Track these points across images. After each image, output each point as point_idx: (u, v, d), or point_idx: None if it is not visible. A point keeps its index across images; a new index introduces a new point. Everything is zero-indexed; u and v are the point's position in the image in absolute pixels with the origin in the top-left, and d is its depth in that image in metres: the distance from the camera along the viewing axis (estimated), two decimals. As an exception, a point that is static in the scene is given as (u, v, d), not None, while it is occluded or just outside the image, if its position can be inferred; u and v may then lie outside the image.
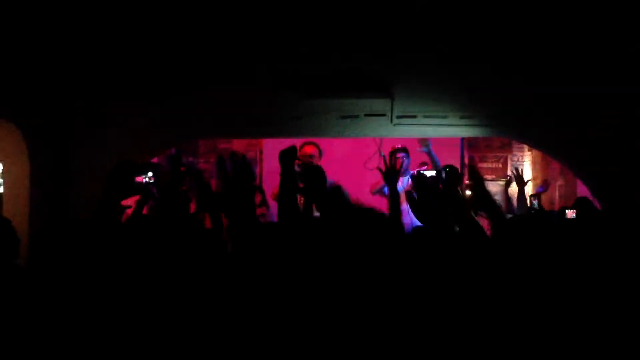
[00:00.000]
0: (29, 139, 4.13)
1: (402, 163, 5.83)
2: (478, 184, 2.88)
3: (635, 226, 4.05)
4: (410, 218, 4.79)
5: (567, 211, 4.22)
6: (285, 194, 2.86)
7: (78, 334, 1.95)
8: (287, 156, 2.98)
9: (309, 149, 5.65)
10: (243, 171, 2.71)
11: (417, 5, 3.33)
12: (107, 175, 2.60)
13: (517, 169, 5.82)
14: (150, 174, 3.27)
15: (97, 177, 3.66)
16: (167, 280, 2.10)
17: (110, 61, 4.35)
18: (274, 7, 3.89)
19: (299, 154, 5.68)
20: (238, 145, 8.94)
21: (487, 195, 2.82)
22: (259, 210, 6.18)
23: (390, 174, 3.42)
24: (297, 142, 6.71)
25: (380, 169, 3.55)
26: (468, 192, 3.45)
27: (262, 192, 6.63)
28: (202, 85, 4.70)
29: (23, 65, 4.13)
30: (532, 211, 4.88)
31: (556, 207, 6.92)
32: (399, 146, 6.00)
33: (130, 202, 3.23)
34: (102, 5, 3.71)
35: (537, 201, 5.10)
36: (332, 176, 4.74)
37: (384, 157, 3.69)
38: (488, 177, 8.56)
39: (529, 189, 8.42)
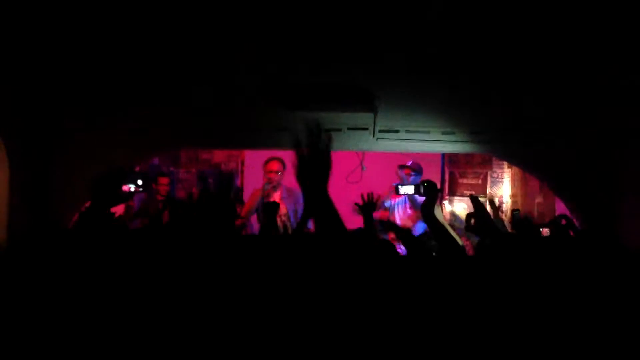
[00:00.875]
0: (9, 143, 4.07)
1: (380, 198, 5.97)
2: (479, 211, 2.91)
3: (611, 244, 4.10)
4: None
5: (541, 229, 4.25)
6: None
7: (63, 340, 1.94)
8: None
9: (273, 165, 5.69)
10: (226, 187, 2.71)
11: (430, 12, 3.33)
12: (94, 183, 2.58)
13: (488, 199, 6.00)
14: (139, 182, 3.28)
15: (78, 184, 3.63)
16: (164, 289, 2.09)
17: (94, 68, 4.32)
18: (258, 15, 3.90)
19: (265, 169, 5.75)
20: (219, 155, 8.95)
21: (489, 221, 2.86)
22: (238, 221, 6.20)
23: (367, 208, 3.51)
24: (277, 153, 6.81)
25: (357, 204, 3.64)
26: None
27: (242, 203, 6.64)
28: (184, 95, 4.69)
29: (3, 68, 4.09)
30: (517, 225, 4.91)
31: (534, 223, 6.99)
32: (409, 163, 6.12)
33: (119, 209, 3.23)
34: (84, 10, 3.69)
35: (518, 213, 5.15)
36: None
37: (362, 195, 3.81)
38: (467, 192, 8.64)
39: (507, 206, 8.55)
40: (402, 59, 4.51)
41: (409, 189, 3.37)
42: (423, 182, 3.15)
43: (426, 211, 2.92)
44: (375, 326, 1.87)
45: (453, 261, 2.46)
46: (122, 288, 2.10)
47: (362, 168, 6.10)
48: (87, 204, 2.61)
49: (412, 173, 6.18)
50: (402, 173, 6.36)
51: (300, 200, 5.45)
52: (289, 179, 5.68)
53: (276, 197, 5.71)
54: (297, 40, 4.07)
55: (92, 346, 1.94)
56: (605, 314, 2.02)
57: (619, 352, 1.92)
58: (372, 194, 3.45)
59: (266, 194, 5.60)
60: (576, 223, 4.70)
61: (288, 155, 6.23)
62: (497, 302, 2.05)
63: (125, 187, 3.21)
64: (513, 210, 5.49)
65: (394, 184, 3.54)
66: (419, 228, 5.89)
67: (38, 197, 4.29)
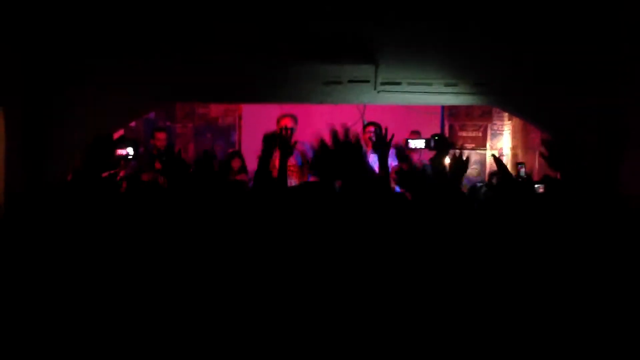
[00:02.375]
0: (5, 100, 4.00)
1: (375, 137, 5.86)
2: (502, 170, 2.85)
3: (611, 194, 4.06)
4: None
5: (535, 186, 4.18)
6: (262, 172, 2.85)
7: (58, 299, 1.90)
8: (270, 140, 3.01)
9: (286, 122, 5.83)
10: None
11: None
12: (85, 148, 2.54)
13: (493, 155, 5.88)
14: (130, 148, 3.23)
15: (75, 142, 3.57)
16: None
17: (87, 23, 4.21)
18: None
19: (277, 126, 5.79)
20: (216, 110, 8.84)
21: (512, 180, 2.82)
22: (239, 177, 6.16)
23: (381, 146, 3.36)
24: (275, 107, 6.73)
25: (371, 139, 3.51)
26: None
27: (241, 157, 6.59)
28: (182, 48, 4.58)
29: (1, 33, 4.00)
30: (520, 179, 4.86)
31: (535, 176, 6.96)
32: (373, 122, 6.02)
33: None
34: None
35: (523, 169, 5.09)
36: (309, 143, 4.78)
37: (379, 127, 3.63)
38: (468, 145, 8.59)
39: (507, 159, 8.50)
40: (404, 9, 4.41)
41: (419, 143, 3.30)
42: (433, 135, 3.08)
43: (436, 164, 2.86)
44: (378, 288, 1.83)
45: (463, 216, 2.41)
46: (118, 248, 2.06)
47: (363, 122, 6.02)
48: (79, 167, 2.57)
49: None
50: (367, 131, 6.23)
51: (310, 154, 5.52)
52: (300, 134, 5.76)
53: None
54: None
55: (86, 306, 1.90)
56: (604, 264, 2.00)
57: (619, 306, 1.90)
58: (386, 129, 3.31)
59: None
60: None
61: (288, 110, 6.26)
62: (504, 257, 2.02)
63: (120, 151, 3.16)
64: (518, 164, 5.42)
65: (406, 139, 3.45)
66: None
67: (34, 155, 4.23)
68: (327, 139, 2.35)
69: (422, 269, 1.95)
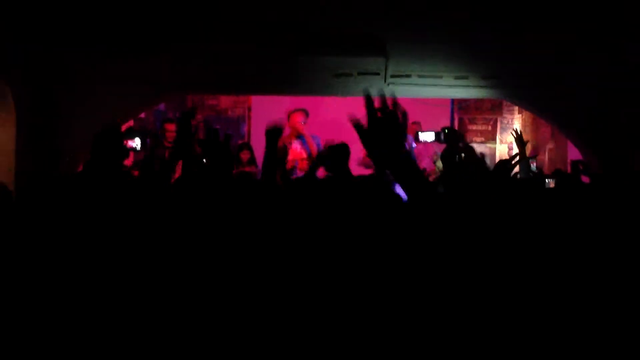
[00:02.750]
0: (16, 94, 4.01)
1: None
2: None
3: (628, 188, 4.04)
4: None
5: (546, 180, 4.16)
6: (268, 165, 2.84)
7: (67, 289, 1.91)
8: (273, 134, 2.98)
9: (299, 117, 5.97)
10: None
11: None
12: (94, 138, 2.55)
13: (516, 131, 5.75)
14: (137, 139, 3.22)
15: (86, 132, 3.58)
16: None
17: (99, 15, 4.22)
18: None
19: (289, 123, 5.85)
20: (226, 101, 8.85)
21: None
22: (248, 168, 6.19)
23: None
24: (285, 99, 6.73)
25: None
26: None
27: (250, 149, 6.59)
28: (192, 39, 4.58)
29: (11, 19, 4.00)
30: (531, 174, 4.84)
31: (545, 170, 6.94)
32: None
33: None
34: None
35: (534, 164, 5.07)
36: (324, 137, 4.79)
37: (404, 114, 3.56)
38: (477, 139, 8.56)
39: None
40: (415, 2, 4.40)
41: (429, 136, 3.28)
42: (444, 128, 3.07)
43: (447, 157, 2.85)
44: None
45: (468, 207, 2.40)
46: (129, 240, 2.07)
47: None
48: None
49: None
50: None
51: (320, 147, 5.61)
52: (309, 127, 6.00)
53: (298, 144, 5.96)
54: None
55: (97, 298, 1.91)
56: (618, 255, 1.98)
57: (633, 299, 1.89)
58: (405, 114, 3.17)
59: (288, 142, 5.87)
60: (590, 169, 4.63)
61: (298, 102, 6.28)
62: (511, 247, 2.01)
63: (129, 142, 3.16)
64: (528, 158, 5.38)
65: (416, 132, 3.43)
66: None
67: (44, 144, 4.24)
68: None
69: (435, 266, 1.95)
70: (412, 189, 1.63)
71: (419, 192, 1.61)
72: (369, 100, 1.59)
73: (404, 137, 1.59)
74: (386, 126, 1.59)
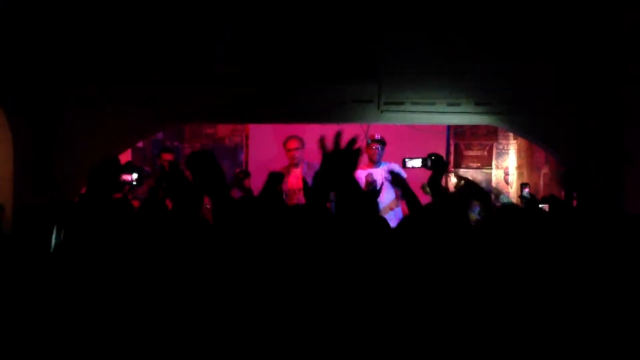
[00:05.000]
0: (13, 121, 4.06)
1: (376, 153, 5.91)
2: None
3: (614, 212, 4.09)
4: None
5: (540, 205, 4.21)
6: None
7: (62, 310, 1.94)
8: (274, 179, 3.03)
9: (293, 144, 5.82)
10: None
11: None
12: (91, 171, 2.57)
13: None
14: (134, 174, 3.25)
15: (82, 161, 3.63)
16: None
17: (98, 44, 4.30)
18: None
19: (285, 147, 5.82)
20: (223, 130, 8.91)
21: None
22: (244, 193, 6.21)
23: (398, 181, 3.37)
24: (282, 127, 6.78)
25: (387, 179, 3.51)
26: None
27: (249, 177, 6.64)
28: (189, 68, 4.66)
29: (9, 47, 4.07)
30: (524, 200, 4.89)
31: (541, 195, 6.97)
32: (377, 137, 6.05)
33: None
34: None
35: (527, 189, 5.11)
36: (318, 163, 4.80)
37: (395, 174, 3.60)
38: (473, 165, 8.61)
39: (514, 178, 8.52)
40: (407, 29, 4.48)
41: (416, 163, 3.32)
42: (430, 155, 3.10)
43: (433, 184, 2.89)
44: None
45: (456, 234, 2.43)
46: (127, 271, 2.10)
47: (368, 141, 6.06)
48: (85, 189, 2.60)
49: (379, 146, 6.06)
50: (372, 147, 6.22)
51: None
52: (308, 154, 5.81)
53: (298, 172, 5.79)
54: (303, 11, 4.05)
55: (91, 317, 1.94)
56: (607, 279, 2.01)
57: (622, 319, 1.91)
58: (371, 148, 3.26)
59: (288, 171, 5.72)
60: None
61: (297, 130, 6.27)
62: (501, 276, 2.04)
63: (125, 177, 3.19)
64: (522, 184, 5.43)
65: (403, 158, 3.46)
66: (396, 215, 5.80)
67: (41, 172, 4.28)
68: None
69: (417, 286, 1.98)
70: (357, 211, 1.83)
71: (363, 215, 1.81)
72: (322, 142, 2.04)
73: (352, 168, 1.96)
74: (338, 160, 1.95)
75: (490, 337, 1.87)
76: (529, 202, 4.71)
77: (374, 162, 5.98)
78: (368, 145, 5.97)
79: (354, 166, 1.99)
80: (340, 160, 1.98)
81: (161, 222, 2.54)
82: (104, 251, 2.13)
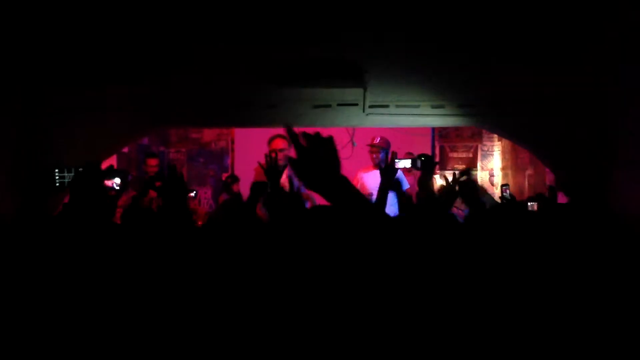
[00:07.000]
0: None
1: (377, 158, 5.94)
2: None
3: (601, 212, 4.11)
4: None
5: (529, 203, 4.23)
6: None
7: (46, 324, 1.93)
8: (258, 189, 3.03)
9: (278, 144, 5.70)
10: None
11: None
12: (72, 180, 2.54)
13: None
14: (117, 179, 3.21)
15: (65, 167, 3.59)
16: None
17: (80, 48, 4.27)
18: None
19: (269, 147, 5.77)
20: (209, 134, 8.91)
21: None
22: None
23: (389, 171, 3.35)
24: (268, 130, 6.77)
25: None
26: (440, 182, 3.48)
27: (237, 181, 6.65)
28: (172, 73, 4.64)
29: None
30: (504, 201, 4.93)
31: (525, 196, 7.02)
32: (377, 141, 6.07)
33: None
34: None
35: (508, 191, 5.15)
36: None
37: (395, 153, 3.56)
38: (458, 166, 8.66)
39: (499, 179, 8.57)
40: (391, 32, 4.49)
41: (406, 163, 3.35)
42: (420, 155, 3.14)
43: (423, 184, 2.92)
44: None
45: (445, 232, 2.45)
46: (109, 279, 2.09)
47: (353, 144, 6.08)
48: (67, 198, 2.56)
49: (380, 150, 6.07)
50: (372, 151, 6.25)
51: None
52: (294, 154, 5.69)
53: (283, 174, 5.70)
54: (287, 14, 4.04)
55: (78, 329, 1.93)
56: (594, 280, 2.03)
57: (611, 321, 1.93)
58: (394, 154, 3.18)
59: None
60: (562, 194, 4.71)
61: (281, 131, 6.23)
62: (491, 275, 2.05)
63: (108, 182, 3.14)
64: (502, 185, 5.47)
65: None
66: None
67: (23, 184, 4.23)
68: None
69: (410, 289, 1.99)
70: (347, 210, 1.72)
71: (356, 213, 1.71)
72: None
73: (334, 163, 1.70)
74: (314, 153, 1.71)
75: (480, 336, 1.88)
76: (509, 202, 4.75)
77: (376, 167, 6.02)
78: (371, 149, 6.02)
79: (333, 166, 1.72)
80: (312, 161, 1.72)
81: (151, 224, 2.53)
82: (94, 261, 2.12)
